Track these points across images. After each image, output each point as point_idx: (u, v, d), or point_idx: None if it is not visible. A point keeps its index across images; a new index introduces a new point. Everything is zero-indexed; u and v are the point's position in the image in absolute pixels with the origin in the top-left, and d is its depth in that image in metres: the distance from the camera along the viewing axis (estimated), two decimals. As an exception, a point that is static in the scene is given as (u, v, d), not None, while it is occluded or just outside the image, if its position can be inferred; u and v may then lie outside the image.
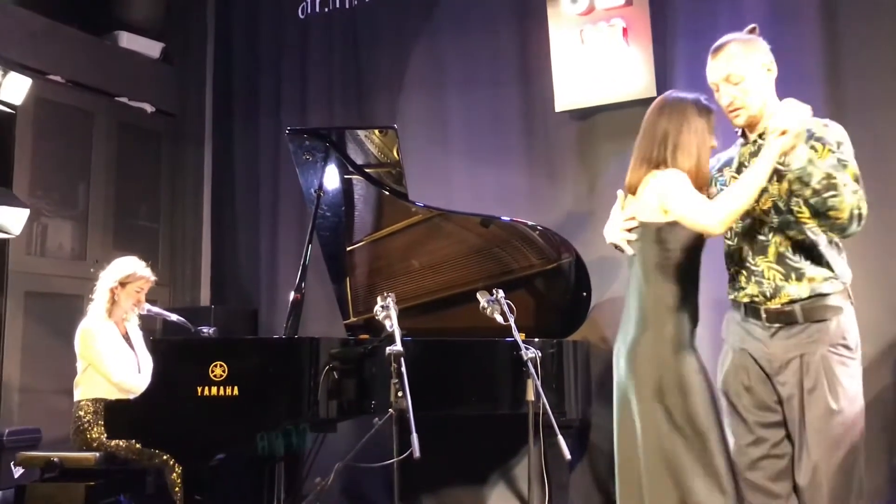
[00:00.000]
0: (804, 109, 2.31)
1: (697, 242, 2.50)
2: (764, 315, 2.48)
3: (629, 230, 2.58)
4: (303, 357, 3.35)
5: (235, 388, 3.21)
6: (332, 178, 4.07)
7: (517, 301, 3.26)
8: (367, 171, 4.03)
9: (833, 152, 2.37)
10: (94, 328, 4.07)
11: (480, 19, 5.00)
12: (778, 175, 2.40)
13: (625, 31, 4.46)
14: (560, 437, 2.80)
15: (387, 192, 4.03)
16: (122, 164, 5.57)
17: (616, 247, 2.67)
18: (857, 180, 2.35)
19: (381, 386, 3.33)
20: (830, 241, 2.44)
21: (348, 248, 4.25)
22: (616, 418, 2.59)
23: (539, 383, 2.98)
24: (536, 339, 3.59)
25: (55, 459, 3.83)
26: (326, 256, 4.28)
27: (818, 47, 4.03)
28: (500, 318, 3.14)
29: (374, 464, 3.11)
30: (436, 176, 4.87)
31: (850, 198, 2.28)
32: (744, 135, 2.65)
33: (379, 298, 3.05)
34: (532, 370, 2.97)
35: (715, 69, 2.56)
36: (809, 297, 2.40)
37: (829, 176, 2.26)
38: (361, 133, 3.97)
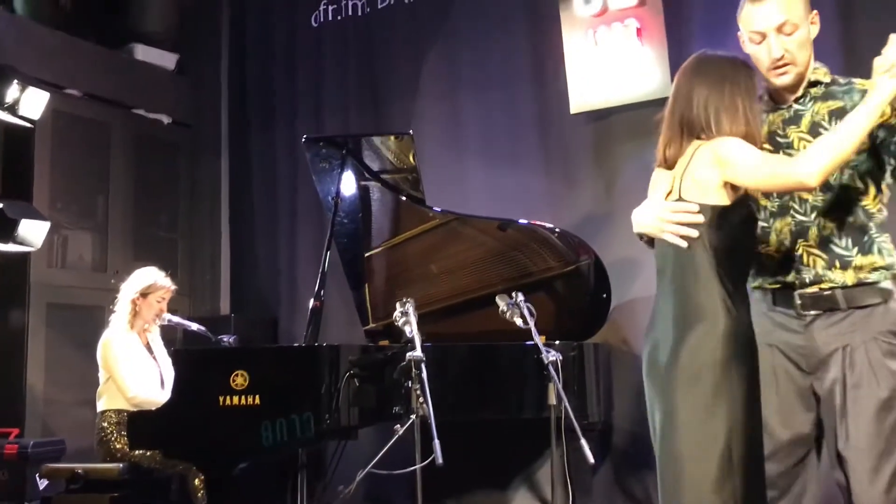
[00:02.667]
0: None
1: (752, 226, 2.20)
2: (798, 301, 2.16)
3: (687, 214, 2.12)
4: (323, 364, 3.35)
5: (257, 396, 3.21)
6: (349, 184, 4.08)
7: (537, 304, 3.24)
8: (383, 177, 4.04)
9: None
10: (115, 339, 4.09)
11: (493, 23, 5.00)
12: None
13: (639, 31, 4.44)
14: (583, 441, 2.79)
15: (404, 198, 4.04)
16: (139, 175, 5.60)
17: (641, 237, 2.30)
18: None
19: (403, 392, 3.33)
20: (882, 224, 2.15)
21: (366, 255, 4.26)
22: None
23: (560, 386, 2.97)
24: (557, 342, 3.58)
25: (79, 471, 3.86)
26: (345, 263, 4.28)
27: (839, 46, 3.99)
28: (520, 322, 3.12)
29: (396, 471, 3.10)
30: (452, 180, 4.86)
31: None
32: (772, 98, 2.31)
33: (398, 304, 3.05)
34: (553, 373, 2.96)
35: (764, 15, 2.17)
36: (854, 286, 2.11)
37: None
38: (377, 139, 3.98)
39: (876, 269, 2.12)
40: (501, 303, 3.20)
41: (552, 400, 3.04)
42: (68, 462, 4.13)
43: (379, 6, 5.44)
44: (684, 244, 2.10)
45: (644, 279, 4.29)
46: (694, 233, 2.08)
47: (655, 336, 2.17)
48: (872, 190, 2.18)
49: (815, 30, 2.23)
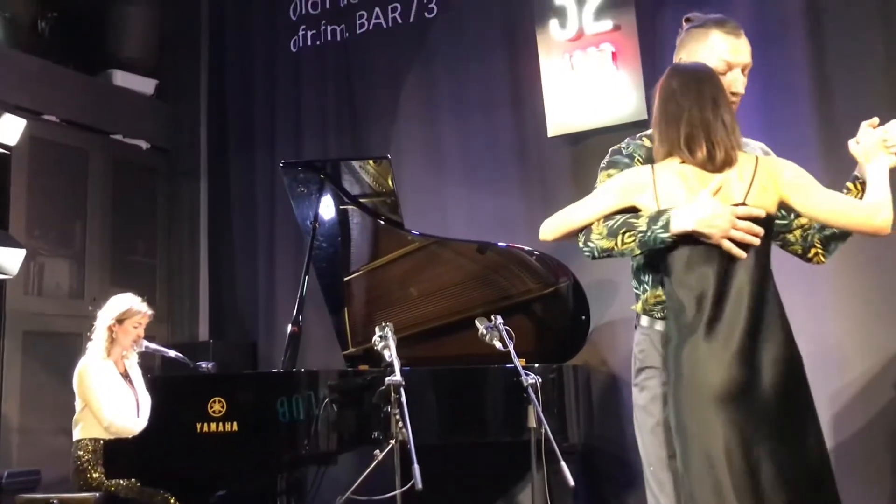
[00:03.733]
0: None
1: None
2: None
3: (753, 220, 2.08)
4: (301, 390, 3.33)
5: (235, 423, 3.19)
6: (327, 209, 4.08)
7: (516, 327, 3.23)
8: (362, 201, 4.05)
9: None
10: (90, 367, 4.04)
11: (471, 47, 5.05)
12: None
13: (614, 55, 4.50)
14: (563, 464, 2.78)
15: (382, 222, 4.04)
16: (117, 201, 5.58)
17: (694, 236, 2.10)
18: None
19: (382, 417, 3.32)
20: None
21: (345, 279, 4.25)
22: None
23: (540, 409, 2.96)
24: (536, 365, 3.59)
25: (54, 501, 3.80)
26: (324, 287, 4.27)
27: (806, 66, 4.07)
28: (499, 345, 3.12)
29: (376, 496, 3.08)
30: (431, 204, 4.89)
31: None
32: None
33: (377, 328, 3.04)
34: (533, 396, 2.95)
35: (743, 50, 2.32)
36: None
37: None
38: (356, 164, 3.99)
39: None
40: (480, 326, 3.19)
41: (532, 423, 3.03)
42: (44, 492, 4.08)
43: (358, 31, 5.48)
44: (743, 254, 2.07)
45: (622, 300, 4.31)
46: (756, 241, 2.07)
47: (754, 359, 2.03)
48: None
49: None
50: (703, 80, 2.21)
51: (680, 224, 2.08)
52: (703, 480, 2.01)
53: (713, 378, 2.02)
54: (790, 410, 2.04)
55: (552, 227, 2.40)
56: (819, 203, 2.13)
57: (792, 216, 2.33)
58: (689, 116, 2.16)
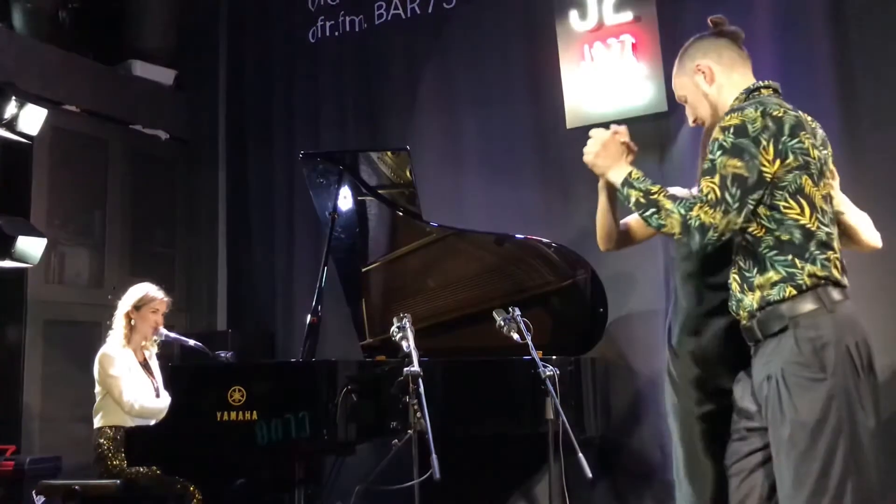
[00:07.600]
0: (598, 137, 2.37)
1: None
2: (745, 335, 2.21)
3: None
4: (320, 380, 3.35)
5: (254, 412, 3.21)
6: (346, 200, 4.09)
7: (533, 319, 3.24)
8: (380, 192, 4.05)
9: (709, 155, 2.09)
10: (110, 354, 4.08)
11: (490, 38, 5.03)
12: None
13: (634, 46, 4.47)
14: (580, 456, 2.78)
15: (401, 213, 4.05)
16: (137, 191, 5.62)
17: None
18: (723, 182, 2.02)
19: (400, 407, 3.33)
20: (782, 239, 2.08)
21: (363, 270, 4.26)
22: None
23: (558, 401, 2.96)
24: (554, 357, 3.58)
25: (76, 487, 3.84)
26: (342, 278, 4.29)
27: (830, 62, 4.02)
28: (516, 337, 3.12)
29: (394, 486, 3.09)
30: (449, 195, 4.88)
31: (680, 211, 2.04)
32: None
33: (395, 319, 3.05)
34: (550, 388, 2.96)
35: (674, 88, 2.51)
36: (761, 308, 2.10)
37: (646, 193, 2.14)
38: (374, 155, 3.99)
39: (776, 285, 2.07)
40: (498, 318, 3.20)
41: (550, 414, 3.03)
42: (65, 479, 4.12)
43: (376, 22, 5.47)
44: None
45: (640, 294, 4.30)
46: None
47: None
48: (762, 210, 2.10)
49: (709, 75, 2.33)
50: None
51: None
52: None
53: None
54: None
55: None
56: None
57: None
58: None
